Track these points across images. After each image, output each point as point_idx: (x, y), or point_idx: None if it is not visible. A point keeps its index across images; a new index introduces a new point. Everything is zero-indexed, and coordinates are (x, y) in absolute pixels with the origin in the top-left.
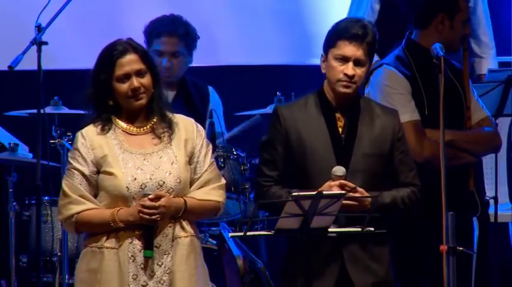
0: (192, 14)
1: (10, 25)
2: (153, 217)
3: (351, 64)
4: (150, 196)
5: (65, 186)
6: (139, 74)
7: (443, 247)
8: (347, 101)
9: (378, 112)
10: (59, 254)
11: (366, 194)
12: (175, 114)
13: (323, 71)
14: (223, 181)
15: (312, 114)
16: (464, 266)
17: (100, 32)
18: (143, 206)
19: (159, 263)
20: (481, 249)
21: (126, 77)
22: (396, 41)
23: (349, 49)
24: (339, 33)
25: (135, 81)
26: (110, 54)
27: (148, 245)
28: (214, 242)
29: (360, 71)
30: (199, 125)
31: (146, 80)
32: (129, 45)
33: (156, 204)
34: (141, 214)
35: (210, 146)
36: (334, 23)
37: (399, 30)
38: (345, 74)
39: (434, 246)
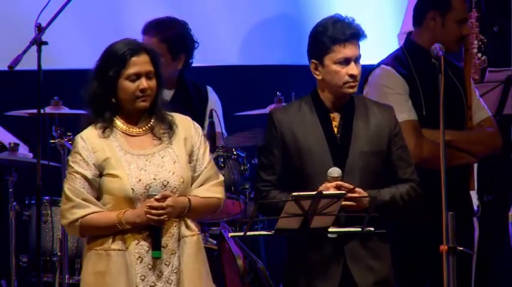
0: (192, 13)
1: (10, 25)
2: (161, 217)
3: (353, 64)
4: (156, 197)
5: (67, 190)
6: (148, 76)
7: (443, 247)
8: (343, 100)
9: (372, 109)
10: (59, 254)
11: (364, 193)
12: (172, 113)
13: (318, 77)
14: (221, 178)
15: (306, 116)
16: (464, 266)
17: (100, 31)
18: (150, 207)
19: (167, 262)
20: (496, 249)
21: (137, 76)
22: None
23: (349, 51)
24: (332, 38)
25: (145, 83)
26: (123, 52)
27: (156, 245)
28: (214, 242)
29: (359, 68)
30: (195, 123)
31: (153, 83)
32: (142, 46)
33: (163, 204)
34: (148, 215)
35: (208, 143)
36: (316, 28)
37: None
38: (351, 75)
39: (434, 246)
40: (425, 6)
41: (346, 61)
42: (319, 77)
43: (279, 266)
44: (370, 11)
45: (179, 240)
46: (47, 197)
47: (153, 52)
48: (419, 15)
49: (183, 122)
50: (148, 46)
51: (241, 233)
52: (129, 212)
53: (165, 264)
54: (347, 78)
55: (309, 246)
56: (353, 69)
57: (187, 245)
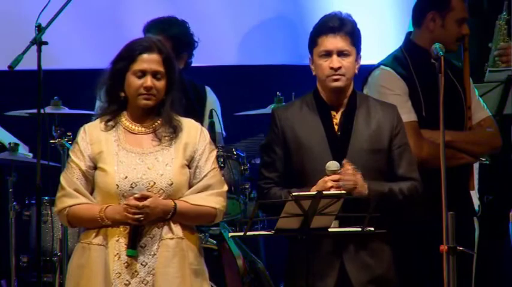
0: (192, 13)
1: (10, 25)
2: (137, 216)
3: (334, 57)
4: (135, 195)
5: (62, 179)
6: (155, 75)
7: (443, 247)
8: (342, 97)
9: (375, 108)
10: (59, 254)
11: (359, 176)
12: (183, 118)
13: (313, 73)
14: (224, 188)
15: (307, 114)
16: (464, 266)
17: (100, 32)
18: (128, 205)
19: (143, 263)
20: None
21: (143, 73)
22: None
23: (329, 42)
24: (317, 30)
25: (149, 81)
26: (134, 47)
27: (132, 244)
28: (214, 242)
29: (346, 62)
30: (204, 130)
31: (160, 83)
32: (155, 45)
33: (140, 204)
34: (125, 213)
35: (214, 152)
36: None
37: None
38: (331, 68)
39: (434, 246)
40: (424, 7)
41: (327, 54)
42: (314, 73)
43: (279, 266)
44: (370, 11)
45: (160, 242)
46: (47, 197)
47: (168, 54)
48: (418, 16)
49: (190, 128)
50: (164, 48)
51: (241, 233)
52: (110, 208)
53: (141, 264)
54: (328, 71)
55: (307, 245)
56: (333, 62)
57: (164, 248)
